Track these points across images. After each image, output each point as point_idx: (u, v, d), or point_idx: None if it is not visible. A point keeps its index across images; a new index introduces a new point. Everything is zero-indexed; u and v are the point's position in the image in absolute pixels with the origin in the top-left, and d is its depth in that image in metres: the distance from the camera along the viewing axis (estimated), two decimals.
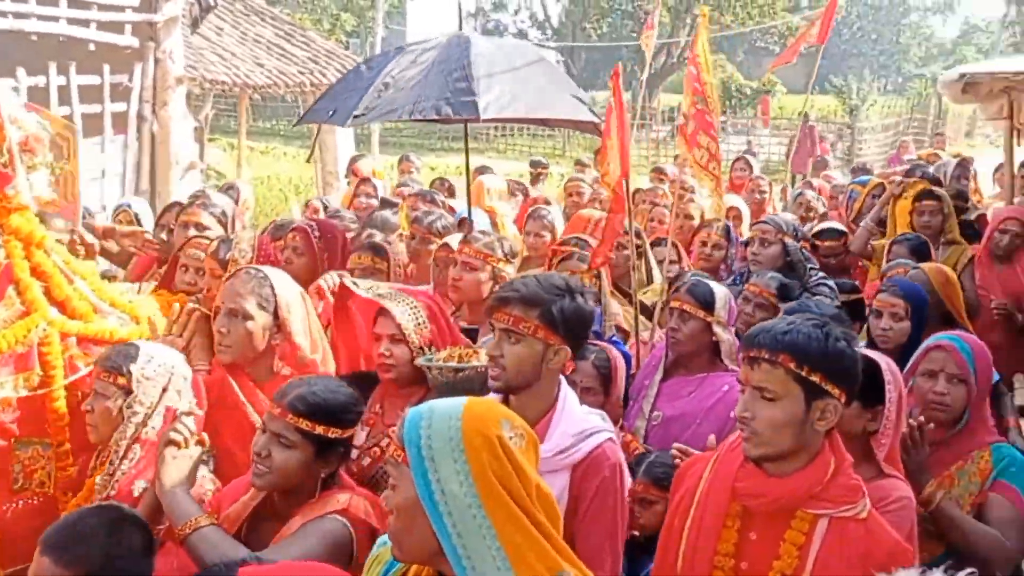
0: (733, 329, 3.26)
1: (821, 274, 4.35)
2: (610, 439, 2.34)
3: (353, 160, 8.18)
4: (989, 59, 25.87)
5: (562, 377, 2.36)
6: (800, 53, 8.92)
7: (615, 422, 2.95)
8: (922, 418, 2.61)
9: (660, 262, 4.56)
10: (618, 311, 4.15)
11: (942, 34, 44.70)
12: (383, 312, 2.78)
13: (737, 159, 8.25)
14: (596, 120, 4.81)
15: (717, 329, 3.17)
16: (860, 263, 5.38)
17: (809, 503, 1.97)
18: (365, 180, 6.87)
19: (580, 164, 10.63)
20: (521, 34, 34.10)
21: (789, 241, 4.32)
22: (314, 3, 24.53)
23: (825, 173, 7.66)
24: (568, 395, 2.36)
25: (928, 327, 3.53)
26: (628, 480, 2.51)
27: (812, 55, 9.60)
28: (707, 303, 3.19)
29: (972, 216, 5.93)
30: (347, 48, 24.82)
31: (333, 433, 2.20)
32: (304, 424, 2.17)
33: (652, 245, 4.68)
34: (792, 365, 1.92)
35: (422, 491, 1.54)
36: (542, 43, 33.78)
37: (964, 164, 7.64)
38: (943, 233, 5.13)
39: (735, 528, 2.02)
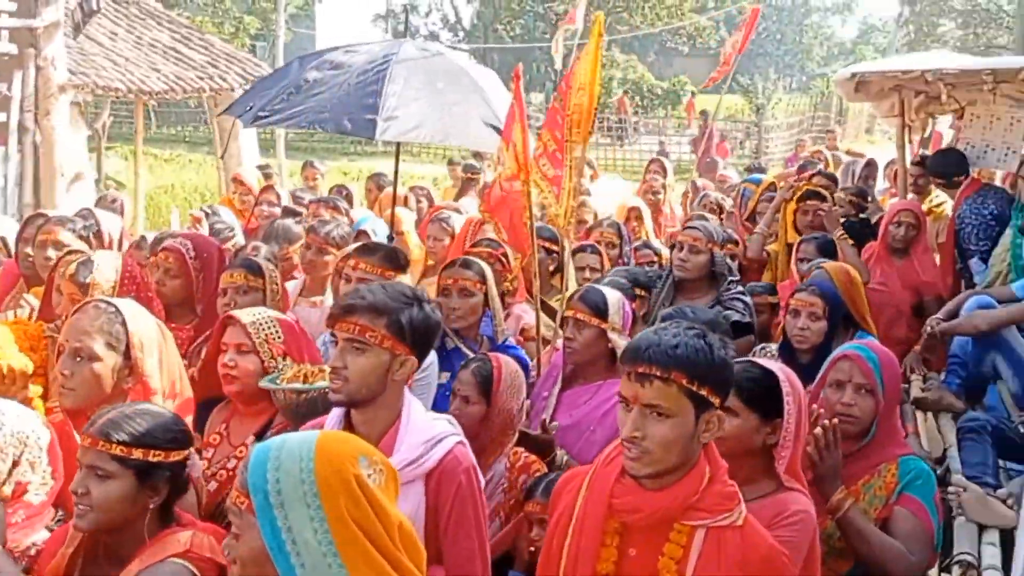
0: (627, 333, 3.19)
1: (739, 288, 4.27)
2: (460, 443, 2.28)
3: (257, 168, 7.93)
4: (886, 57, 26.86)
5: (406, 387, 2.28)
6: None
7: (506, 432, 2.87)
8: (836, 420, 2.61)
9: (581, 268, 4.52)
10: (524, 315, 4.08)
11: (842, 34, 46.34)
12: (231, 320, 2.65)
13: (652, 161, 8.24)
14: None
15: (612, 336, 3.12)
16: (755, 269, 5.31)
17: (686, 514, 1.94)
18: (267, 188, 6.60)
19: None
20: (433, 36, 33.88)
21: (717, 252, 4.25)
22: (216, 6, 23.86)
23: (721, 173, 7.72)
24: (412, 404, 2.28)
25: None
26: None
27: (720, 56, 9.88)
28: (600, 310, 3.14)
29: (874, 217, 6.04)
30: (254, 52, 24.28)
31: (154, 456, 1.99)
32: (118, 450, 1.96)
33: (576, 252, 4.60)
34: (685, 381, 1.88)
35: (270, 541, 1.42)
36: (454, 45, 33.64)
37: (871, 165, 7.82)
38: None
39: (614, 545, 1.98)
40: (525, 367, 3.31)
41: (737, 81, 33.26)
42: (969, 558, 3.02)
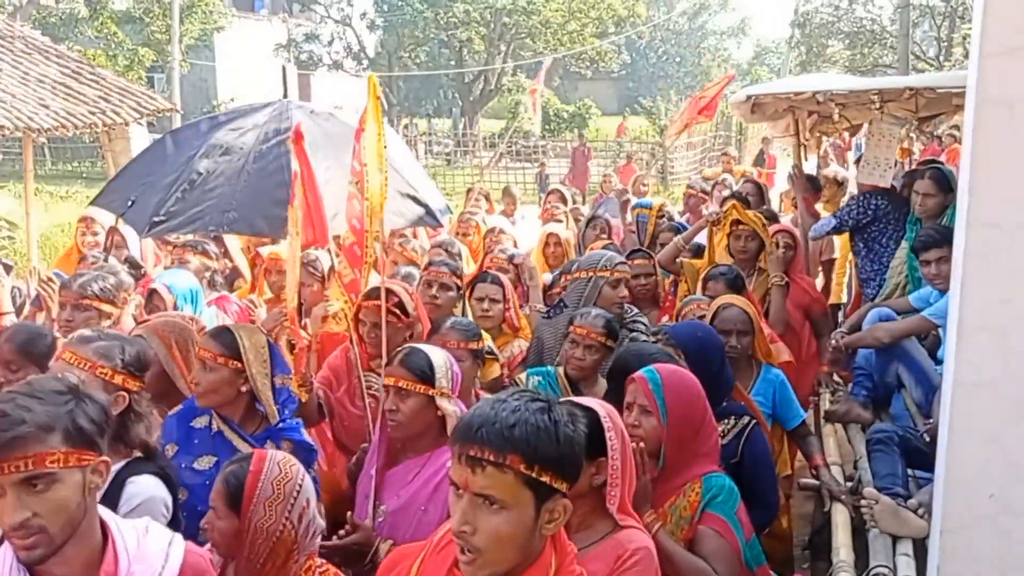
0: (457, 397, 2.90)
1: (635, 310, 4.29)
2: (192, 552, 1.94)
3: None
4: (781, 77, 27.86)
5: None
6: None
7: (279, 554, 2.24)
8: (643, 444, 2.63)
9: (480, 299, 4.37)
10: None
11: (738, 56, 47.80)
12: None
13: (551, 192, 8.25)
14: (430, 222, 4.44)
15: (441, 402, 2.79)
16: (669, 297, 5.28)
17: None
18: (112, 229, 5.36)
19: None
20: (336, 65, 33.53)
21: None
22: (108, 39, 23.09)
23: (626, 198, 7.78)
24: (115, 521, 1.87)
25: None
26: None
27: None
28: (425, 375, 2.80)
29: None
30: (152, 85, 23.58)
31: None
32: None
33: (476, 282, 4.46)
34: (523, 467, 1.63)
35: None
36: (358, 73, 33.40)
37: (752, 181, 7.99)
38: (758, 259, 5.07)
39: None
40: (309, 454, 2.98)
41: (640, 103, 34.07)
42: (885, 570, 3.07)
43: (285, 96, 4.58)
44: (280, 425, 3.01)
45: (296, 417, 3.18)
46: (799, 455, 4.24)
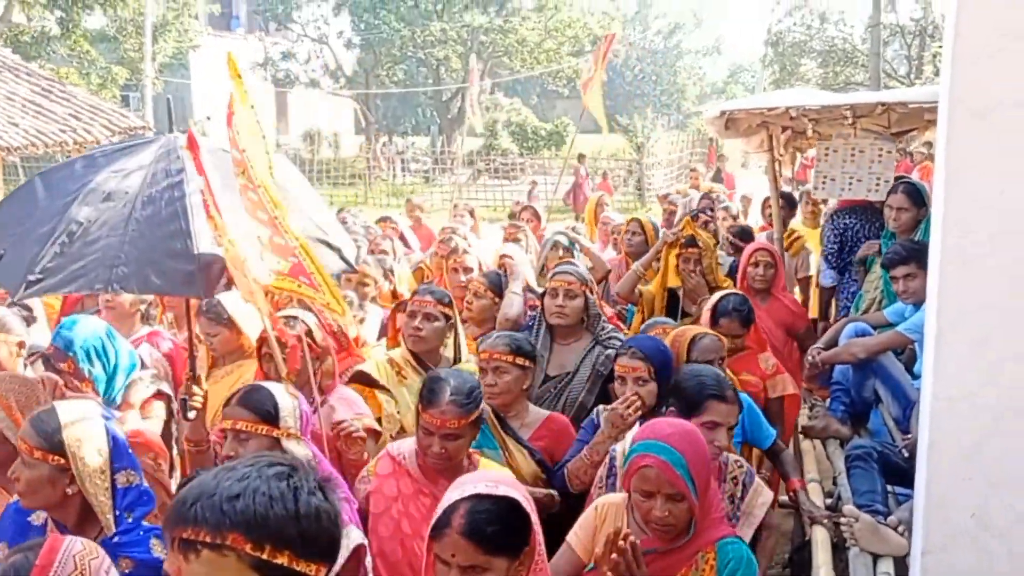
0: (309, 437, 2.77)
1: (611, 327, 4.12)
2: None
3: None
4: (754, 95, 28.08)
5: None
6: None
7: None
8: (632, 538, 2.23)
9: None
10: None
11: (713, 75, 48.34)
12: None
13: (524, 208, 8.15)
14: (345, 269, 3.85)
15: (289, 445, 2.64)
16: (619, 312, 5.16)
17: None
18: None
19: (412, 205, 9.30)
20: (313, 83, 33.50)
21: (590, 294, 4.02)
22: (81, 57, 22.89)
23: (604, 214, 7.73)
24: None
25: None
26: None
27: (600, 98, 10.15)
28: (268, 415, 2.64)
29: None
30: (127, 103, 23.39)
31: None
32: None
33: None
34: (248, 547, 1.32)
35: None
36: (336, 92, 33.38)
37: (708, 197, 7.97)
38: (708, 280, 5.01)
39: None
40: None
41: (617, 121, 34.26)
42: None
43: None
44: (118, 539, 2.32)
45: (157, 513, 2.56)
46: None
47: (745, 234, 6.55)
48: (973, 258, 2.55)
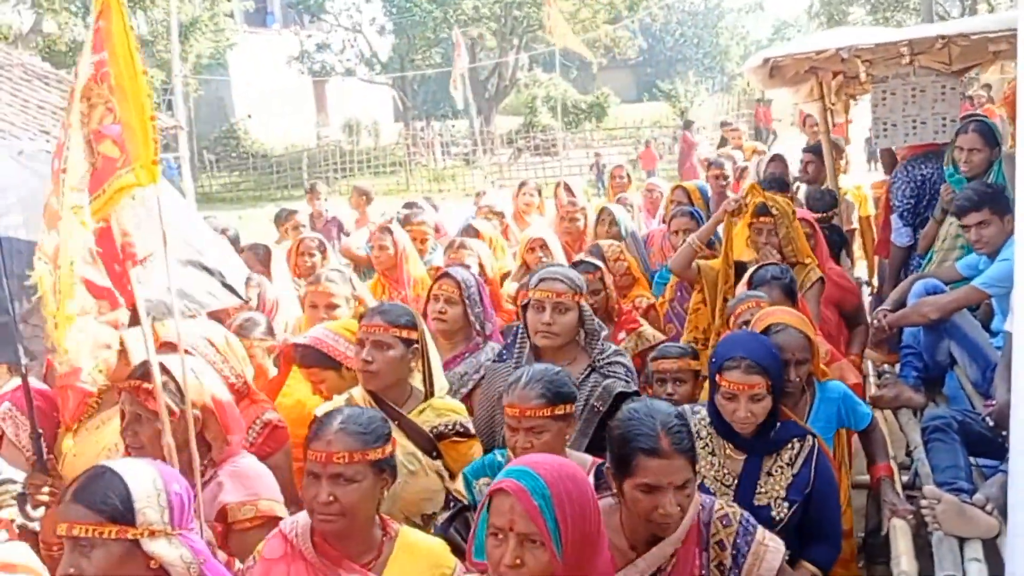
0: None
1: (613, 347, 3.39)
2: None
3: None
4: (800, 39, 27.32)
5: None
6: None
7: None
8: None
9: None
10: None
11: (757, 32, 47.09)
12: None
13: (557, 184, 7.63)
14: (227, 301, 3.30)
15: (153, 546, 1.98)
16: (625, 311, 4.47)
17: None
18: None
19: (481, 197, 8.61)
20: (349, 72, 33.49)
21: (584, 304, 3.29)
22: None
23: (649, 181, 7.32)
24: None
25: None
26: None
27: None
28: (117, 512, 2.01)
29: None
30: (170, 107, 23.53)
31: None
32: None
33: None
34: None
35: None
36: (372, 79, 33.31)
37: (776, 160, 7.34)
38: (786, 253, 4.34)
39: None
40: None
41: (659, 88, 33.57)
42: None
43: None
44: None
45: None
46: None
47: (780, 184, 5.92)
48: None
